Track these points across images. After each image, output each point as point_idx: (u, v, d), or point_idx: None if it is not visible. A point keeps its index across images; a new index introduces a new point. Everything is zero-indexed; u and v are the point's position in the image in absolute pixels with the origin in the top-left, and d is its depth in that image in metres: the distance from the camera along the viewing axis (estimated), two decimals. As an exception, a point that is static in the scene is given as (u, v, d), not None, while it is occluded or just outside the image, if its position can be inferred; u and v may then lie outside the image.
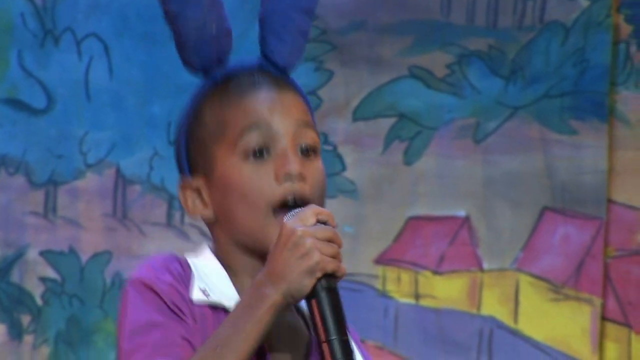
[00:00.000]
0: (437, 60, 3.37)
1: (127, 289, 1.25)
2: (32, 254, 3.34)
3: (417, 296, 3.34)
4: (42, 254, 3.33)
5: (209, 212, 1.29)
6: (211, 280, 1.26)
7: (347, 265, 3.68)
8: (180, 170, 1.32)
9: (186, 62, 1.29)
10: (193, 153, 1.30)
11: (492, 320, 3.34)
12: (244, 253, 1.28)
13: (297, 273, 1.15)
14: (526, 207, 3.35)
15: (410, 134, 3.37)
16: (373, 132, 3.37)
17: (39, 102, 3.35)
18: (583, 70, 3.37)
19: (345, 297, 3.64)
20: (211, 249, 1.31)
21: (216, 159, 1.26)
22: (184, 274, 1.25)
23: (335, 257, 1.17)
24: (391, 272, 3.35)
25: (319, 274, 1.16)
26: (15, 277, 3.35)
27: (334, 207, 3.35)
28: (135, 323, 1.22)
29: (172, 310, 1.22)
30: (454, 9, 3.37)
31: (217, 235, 1.30)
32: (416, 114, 3.37)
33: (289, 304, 1.19)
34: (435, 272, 3.35)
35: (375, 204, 3.36)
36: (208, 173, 1.28)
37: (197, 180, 1.28)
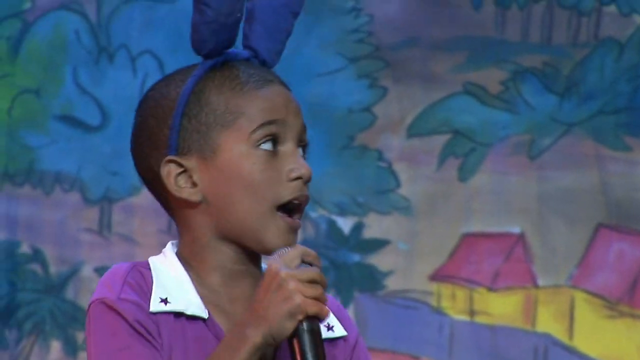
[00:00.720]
0: (492, 77, 3.38)
1: (90, 312, 1.23)
2: (87, 271, 3.36)
3: (471, 313, 3.35)
4: (97, 270, 3.34)
5: (196, 194, 1.24)
6: (172, 286, 1.24)
7: (401, 282, 3.68)
8: (155, 149, 1.26)
9: (198, 43, 1.26)
10: (189, 133, 1.24)
11: (547, 337, 3.34)
12: (225, 242, 1.25)
13: (279, 315, 1.15)
14: (581, 223, 3.36)
15: (464, 150, 3.38)
16: (427, 149, 3.38)
17: (94, 119, 3.37)
18: (637, 87, 3.38)
19: (400, 313, 3.65)
20: (174, 247, 1.28)
21: (221, 144, 1.23)
22: (144, 284, 1.23)
23: (319, 299, 1.16)
24: (446, 289, 3.36)
25: (300, 317, 1.15)
26: (70, 293, 3.37)
27: (388, 224, 3.39)
28: (101, 350, 1.21)
29: (136, 331, 1.21)
30: (508, 26, 3.39)
31: (197, 220, 1.25)
32: (470, 131, 3.38)
33: (270, 345, 1.18)
34: (490, 289, 3.35)
35: (429, 221, 3.36)
36: (207, 156, 1.24)
37: (189, 160, 1.24)
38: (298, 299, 1.14)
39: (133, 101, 3.53)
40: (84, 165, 3.34)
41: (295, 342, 1.17)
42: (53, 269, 3.36)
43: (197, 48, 1.25)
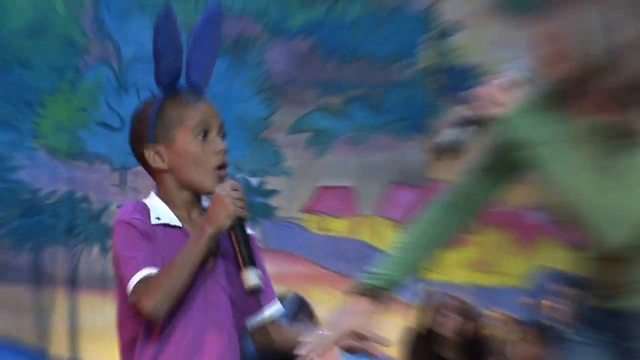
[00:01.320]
0: (335, 102, 6.04)
1: (115, 228, 1.96)
2: (113, 207, 6.02)
3: (324, 230, 6.03)
4: (118, 206, 5.78)
5: (164, 166, 2.00)
6: (159, 211, 1.99)
7: (285, 213, 6.54)
8: (141, 141, 2.01)
9: (158, 83, 2.02)
10: (156, 131, 2.00)
11: (363, 243, 6.03)
12: (182, 189, 2.02)
13: (222, 217, 1.91)
14: (383, 181, 6.02)
15: (319, 141, 6.09)
16: (299, 140, 6.07)
17: (116, 124, 6.05)
18: (406, 99, 6.00)
19: (285, 230, 6.53)
20: (155, 193, 2.03)
21: (176, 136, 1.99)
22: (145, 210, 1.98)
23: (243, 207, 1.92)
24: (310, 217, 6.05)
25: (233, 217, 1.91)
26: (103, 219, 6.03)
27: (278, 182, 6.23)
28: (124, 249, 1.94)
29: (144, 236, 1.94)
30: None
31: (165, 181, 2.02)
32: (323, 131, 6.07)
33: (217, 236, 1.93)
34: (334, 216, 6.05)
35: (300, 180, 6.08)
36: (168, 144, 1.99)
37: (158, 146, 2.00)
38: (231, 207, 1.90)
39: (138, 114, 6.41)
40: (111, 149, 6.02)
41: (232, 233, 1.94)
42: (94, 206, 6.07)
43: (158, 84, 2.04)
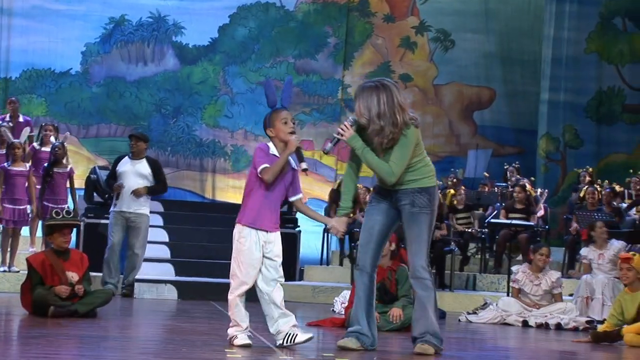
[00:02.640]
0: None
1: (256, 150, 6.06)
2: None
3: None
4: None
5: (272, 134, 6.03)
6: (273, 149, 6.01)
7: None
8: (265, 126, 6.05)
9: (270, 105, 6.07)
10: (270, 125, 6.02)
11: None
12: (280, 143, 6.01)
13: (292, 147, 5.95)
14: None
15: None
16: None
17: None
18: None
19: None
20: (271, 142, 6.04)
21: (275, 123, 5.99)
22: (268, 148, 6.01)
23: (299, 144, 6.05)
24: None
25: (296, 146, 5.98)
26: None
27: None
28: (260, 159, 5.96)
29: (268, 156, 5.98)
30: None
31: (274, 139, 6.02)
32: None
33: (290, 155, 5.97)
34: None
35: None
36: (272, 127, 6.01)
37: (270, 130, 6.04)
38: (295, 143, 5.99)
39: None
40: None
41: (295, 152, 5.99)
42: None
43: (269, 106, 6.11)
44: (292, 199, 6.04)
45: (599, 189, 13.82)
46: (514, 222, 12.74)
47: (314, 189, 16.71)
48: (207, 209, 15.36)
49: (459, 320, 9.87)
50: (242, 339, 5.83)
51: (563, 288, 10.16)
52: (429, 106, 17.90)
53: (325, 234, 13.93)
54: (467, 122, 18.08)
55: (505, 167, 15.78)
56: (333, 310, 9.84)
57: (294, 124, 5.99)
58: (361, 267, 6.09)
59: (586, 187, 14.16)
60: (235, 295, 5.83)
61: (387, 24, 18.09)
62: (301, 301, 11.39)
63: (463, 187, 14.37)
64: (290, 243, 12.38)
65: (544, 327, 9.46)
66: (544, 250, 9.96)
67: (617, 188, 14.27)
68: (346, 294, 9.48)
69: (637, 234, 11.60)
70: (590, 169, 15.50)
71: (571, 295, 10.71)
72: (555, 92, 17.32)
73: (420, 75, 18.04)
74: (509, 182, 15.11)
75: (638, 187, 13.73)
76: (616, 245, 10.50)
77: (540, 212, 13.90)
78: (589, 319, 9.69)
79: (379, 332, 6.20)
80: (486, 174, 15.94)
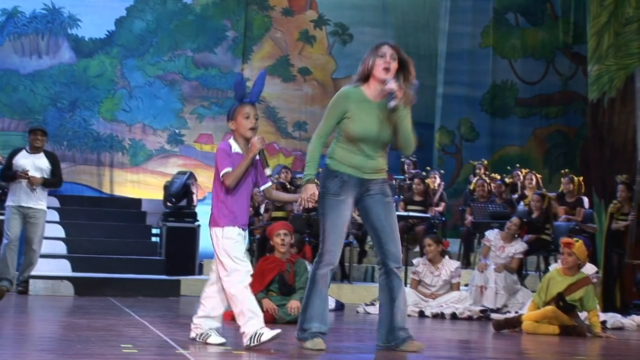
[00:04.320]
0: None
1: (217, 151, 5.77)
2: None
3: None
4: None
5: (234, 127, 5.79)
6: (235, 146, 5.75)
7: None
8: (228, 118, 5.76)
9: (238, 98, 5.80)
10: (232, 118, 5.76)
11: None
12: (242, 139, 5.77)
13: (255, 149, 5.69)
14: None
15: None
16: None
17: None
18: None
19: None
20: (233, 139, 5.78)
21: (237, 117, 5.74)
22: (230, 147, 5.74)
23: (263, 145, 5.77)
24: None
25: (259, 149, 5.73)
26: None
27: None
28: (222, 163, 5.68)
29: (230, 156, 5.70)
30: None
31: (235, 134, 5.79)
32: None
33: (254, 157, 5.72)
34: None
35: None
36: (234, 121, 5.77)
37: (232, 121, 5.78)
38: (258, 145, 5.70)
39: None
40: None
41: (259, 154, 5.73)
42: None
43: (236, 99, 5.83)
44: (262, 187, 5.88)
45: (488, 180, 14.11)
46: (411, 214, 12.93)
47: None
48: (105, 204, 15.19)
49: (357, 311, 9.98)
50: (267, 333, 5.56)
51: (461, 278, 10.37)
52: (328, 100, 17.89)
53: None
54: (366, 115, 18.21)
55: (402, 160, 16.00)
56: (232, 303, 9.80)
57: (256, 120, 5.73)
58: (333, 264, 5.78)
59: (476, 179, 14.46)
60: (243, 287, 5.62)
61: (285, 17, 18.13)
62: (200, 295, 11.31)
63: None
64: (190, 237, 12.34)
65: (439, 316, 9.64)
66: (428, 241, 10.19)
67: (508, 180, 14.61)
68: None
69: (526, 225, 11.88)
70: (485, 162, 15.82)
71: (467, 285, 10.94)
72: (450, 85, 17.64)
73: (319, 69, 18.14)
74: (406, 175, 15.32)
75: (527, 180, 14.07)
76: (518, 247, 10.76)
77: (441, 207, 14.13)
78: (482, 307, 9.92)
79: (277, 324, 6.20)
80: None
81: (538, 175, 14.17)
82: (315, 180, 5.85)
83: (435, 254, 10.09)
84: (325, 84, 18.10)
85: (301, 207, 6.02)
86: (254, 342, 5.53)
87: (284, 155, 17.80)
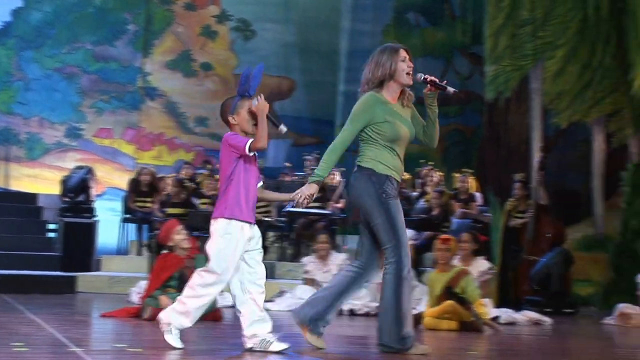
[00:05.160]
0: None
1: (227, 138, 5.58)
2: None
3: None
4: None
5: (235, 122, 5.68)
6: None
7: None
8: (230, 114, 5.62)
9: (240, 94, 5.67)
10: (234, 112, 5.63)
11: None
12: (244, 134, 5.62)
13: (264, 114, 5.60)
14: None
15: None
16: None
17: None
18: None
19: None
20: (232, 130, 5.65)
21: (239, 110, 5.62)
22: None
23: (271, 110, 5.79)
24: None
25: (267, 110, 5.63)
26: None
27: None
28: (240, 140, 5.53)
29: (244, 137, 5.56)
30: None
31: (235, 128, 5.64)
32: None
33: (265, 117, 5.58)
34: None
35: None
36: (237, 115, 5.63)
37: (233, 117, 5.67)
38: (264, 102, 5.61)
39: None
40: None
41: (267, 117, 5.61)
42: None
43: (239, 94, 5.73)
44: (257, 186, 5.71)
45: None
46: (311, 210, 12.99)
47: (113, 178, 16.46)
48: (1, 199, 14.85)
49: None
50: (175, 343, 5.52)
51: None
52: (229, 95, 17.89)
53: (123, 224, 13.70)
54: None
55: (304, 157, 16.06)
56: (128, 300, 9.73)
57: None
58: (409, 266, 5.82)
59: (371, 176, 14.53)
60: (214, 292, 5.54)
61: (188, 12, 18.02)
62: (97, 292, 11.18)
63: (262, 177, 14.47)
64: (87, 233, 12.16)
65: (337, 313, 9.70)
66: (321, 238, 10.31)
67: (406, 176, 14.80)
68: (142, 284, 9.40)
69: (426, 221, 12.07)
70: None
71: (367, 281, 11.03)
72: (351, 83, 17.74)
73: (220, 65, 18.08)
74: (305, 171, 15.37)
75: (428, 177, 14.27)
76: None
77: (342, 203, 14.22)
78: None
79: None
80: (288, 164, 16.16)
81: (440, 173, 14.39)
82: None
83: (326, 252, 10.20)
84: (227, 79, 18.05)
85: (296, 204, 5.86)
86: (261, 347, 5.57)
87: (185, 151, 17.69)
